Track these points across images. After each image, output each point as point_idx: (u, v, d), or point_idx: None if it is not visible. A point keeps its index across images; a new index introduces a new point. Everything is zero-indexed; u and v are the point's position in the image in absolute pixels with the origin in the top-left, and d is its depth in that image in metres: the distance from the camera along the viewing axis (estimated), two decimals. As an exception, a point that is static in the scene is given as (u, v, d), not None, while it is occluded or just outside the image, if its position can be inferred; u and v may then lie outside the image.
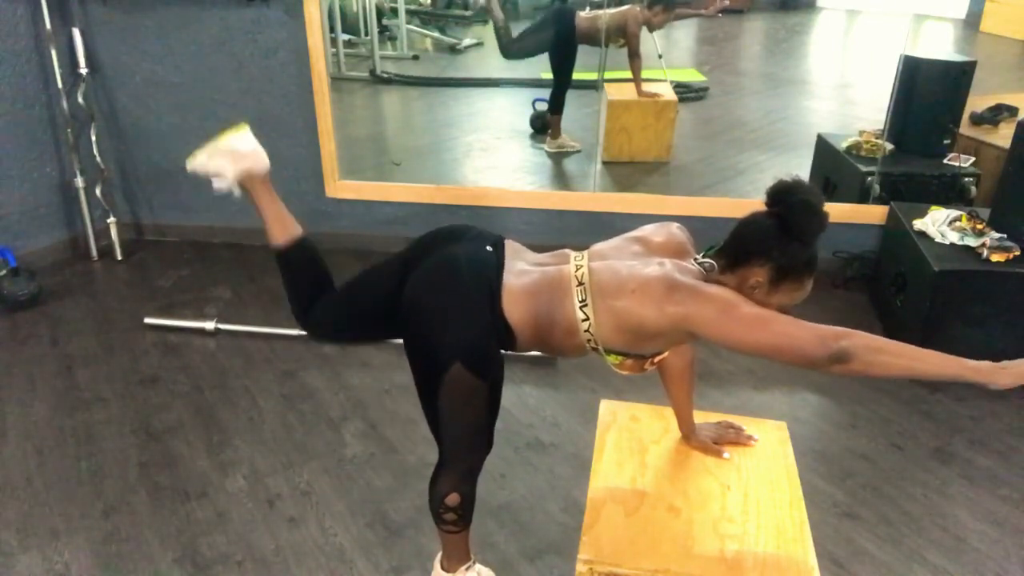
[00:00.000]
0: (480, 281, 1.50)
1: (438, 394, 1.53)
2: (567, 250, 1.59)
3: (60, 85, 3.48)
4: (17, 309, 3.26)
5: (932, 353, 1.29)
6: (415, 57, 6.02)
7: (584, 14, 4.44)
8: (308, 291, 1.77)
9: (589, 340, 1.47)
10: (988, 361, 1.29)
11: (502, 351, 1.55)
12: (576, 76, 4.54)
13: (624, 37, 4.34)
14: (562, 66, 4.53)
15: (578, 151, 4.54)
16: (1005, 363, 1.28)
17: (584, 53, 4.46)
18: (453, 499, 1.68)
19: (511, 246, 1.62)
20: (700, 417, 1.81)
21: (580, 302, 1.45)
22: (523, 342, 1.53)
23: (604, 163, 4.40)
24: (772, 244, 1.37)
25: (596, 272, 1.47)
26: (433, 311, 1.51)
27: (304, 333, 1.84)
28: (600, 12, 4.38)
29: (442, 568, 1.86)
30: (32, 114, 3.51)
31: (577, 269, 1.49)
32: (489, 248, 1.58)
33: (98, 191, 3.68)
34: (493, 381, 1.55)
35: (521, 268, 1.55)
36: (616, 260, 1.50)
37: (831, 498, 2.28)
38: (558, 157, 4.59)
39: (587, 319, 1.45)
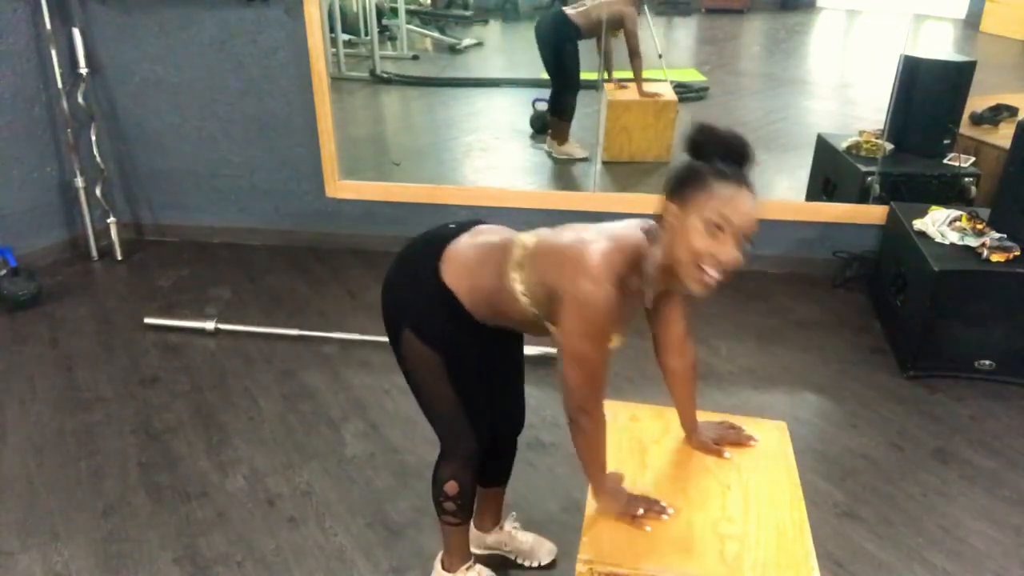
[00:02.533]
0: (427, 250, 1.54)
1: (402, 367, 1.58)
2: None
3: (60, 85, 3.48)
4: (17, 309, 3.26)
5: (601, 466, 1.50)
6: (415, 57, 6.03)
7: (574, 11, 4.40)
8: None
9: (529, 308, 1.46)
10: (622, 490, 1.52)
11: (467, 325, 1.53)
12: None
13: (622, 30, 4.32)
14: (559, 68, 4.51)
15: (586, 159, 4.47)
16: (627, 495, 1.51)
17: (584, 53, 4.45)
18: (451, 487, 1.70)
19: (490, 227, 1.60)
20: (700, 417, 1.81)
21: (517, 267, 1.45)
22: (476, 310, 1.51)
23: (604, 163, 4.40)
24: (671, 175, 1.35)
25: (539, 240, 1.47)
26: (390, 284, 1.59)
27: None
28: (588, 4, 4.36)
29: (443, 567, 1.86)
30: (32, 114, 3.51)
31: (523, 238, 1.50)
32: (453, 225, 1.59)
33: (98, 191, 3.68)
34: (451, 353, 1.54)
35: (476, 240, 1.55)
36: (564, 231, 1.47)
37: (831, 498, 2.28)
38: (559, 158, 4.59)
39: (524, 286, 1.45)
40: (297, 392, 2.75)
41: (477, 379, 1.62)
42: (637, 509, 1.49)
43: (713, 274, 1.30)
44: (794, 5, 7.84)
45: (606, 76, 4.52)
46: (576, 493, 2.25)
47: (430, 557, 1.96)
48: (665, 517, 1.50)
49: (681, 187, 1.32)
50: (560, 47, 4.46)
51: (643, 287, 1.42)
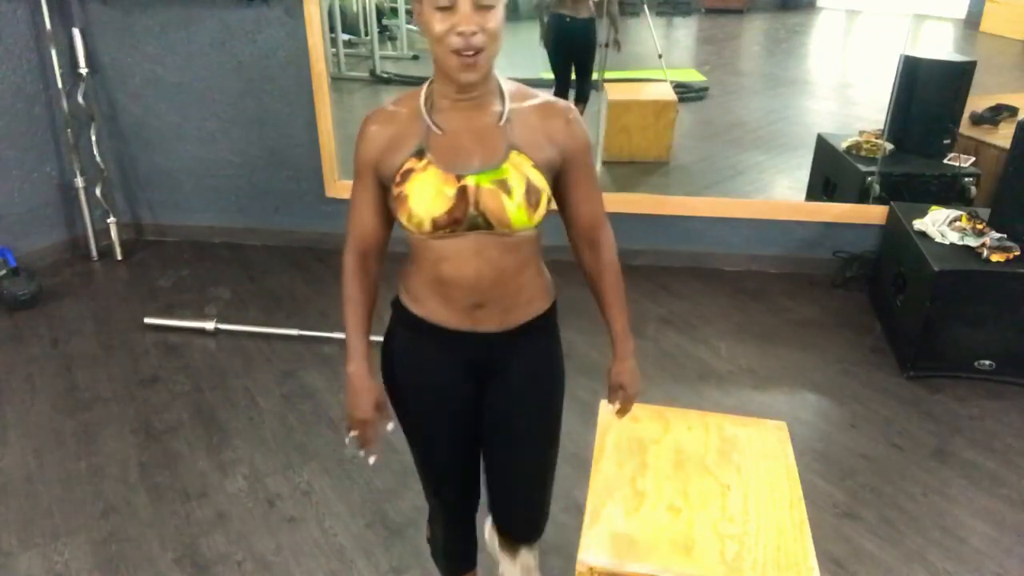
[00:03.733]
0: None
1: None
2: None
3: (60, 85, 3.48)
4: (17, 309, 3.26)
5: (349, 325, 1.43)
6: (415, 57, 6.02)
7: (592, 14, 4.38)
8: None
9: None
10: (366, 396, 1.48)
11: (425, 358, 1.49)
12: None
13: None
14: (587, 69, 4.50)
15: None
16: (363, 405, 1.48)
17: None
18: (427, 531, 1.70)
19: None
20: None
21: None
22: (417, 290, 1.41)
23: (604, 163, 4.40)
24: None
25: None
26: None
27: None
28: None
29: None
30: (32, 114, 3.51)
31: None
32: None
33: (98, 191, 3.68)
34: (398, 388, 1.54)
35: None
36: None
37: (831, 498, 2.28)
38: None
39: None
40: (297, 392, 2.75)
41: (431, 430, 1.58)
42: (353, 429, 1.53)
43: (465, 54, 1.19)
44: (794, 5, 7.85)
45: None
46: (576, 493, 2.25)
47: (430, 557, 1.96)
48: (368, 459, 1.54)
49: None
50: (593, 51, 4.47)
51: (422, 105, 1.30)
